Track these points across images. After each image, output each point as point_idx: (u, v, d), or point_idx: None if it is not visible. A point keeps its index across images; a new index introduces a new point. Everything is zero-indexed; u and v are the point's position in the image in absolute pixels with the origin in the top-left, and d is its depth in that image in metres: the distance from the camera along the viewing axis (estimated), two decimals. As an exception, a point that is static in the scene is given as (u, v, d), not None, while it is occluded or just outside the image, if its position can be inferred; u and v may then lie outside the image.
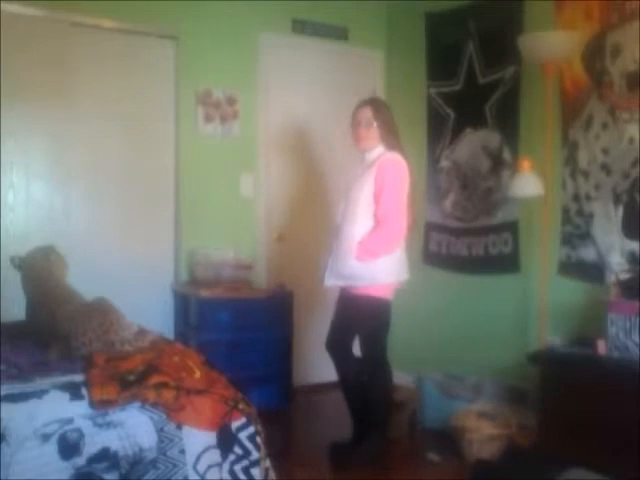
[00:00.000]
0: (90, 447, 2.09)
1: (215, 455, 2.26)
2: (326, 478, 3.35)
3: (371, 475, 3.37)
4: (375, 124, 3.41)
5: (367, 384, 3.48)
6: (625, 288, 3.27)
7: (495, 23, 4.24)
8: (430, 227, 4.72)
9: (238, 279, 4.33)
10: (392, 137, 3.45)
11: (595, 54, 3.67)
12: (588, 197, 3.73)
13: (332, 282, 3.50)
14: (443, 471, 3.39)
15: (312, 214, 4.87)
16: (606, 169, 3.63)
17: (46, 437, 2.05)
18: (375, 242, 3.33)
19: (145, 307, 4.02)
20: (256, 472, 2.32)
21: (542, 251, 3.72)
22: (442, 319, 4.57)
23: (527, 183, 3.67)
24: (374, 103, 3.52)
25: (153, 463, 2.17)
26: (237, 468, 2.30)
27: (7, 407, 2.06)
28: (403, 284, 3.54)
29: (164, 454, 2.18)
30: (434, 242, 4.71)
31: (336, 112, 4.62)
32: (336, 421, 3.97)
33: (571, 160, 3.81)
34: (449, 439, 3.56)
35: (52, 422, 2.08)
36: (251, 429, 2.34)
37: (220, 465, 2.27)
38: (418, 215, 4.59)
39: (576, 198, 3.80)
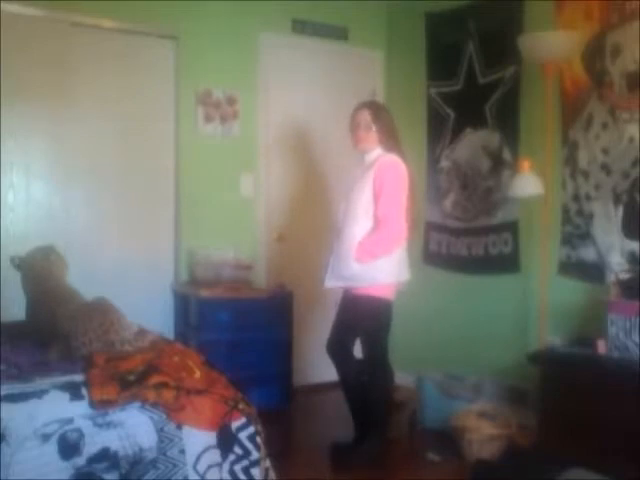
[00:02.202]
0: (90, 447, 2.09)
1: (215, 455, 2.26)
2: (326, 478, 3.35)
3: (371, 475, 3.38)
4: (374, 128, 3.43)
5: (367, 384, 3.49)
6: (625, 288, 3.27)
7: (495, 23, 4.24)
8: (430, 227, 4.72)
9: (238, 279, 4.33)
10: (391, 140, 3.45)
11: (595, 54, 3.67)
12: (588, 197, 3.73)
13: (333, 283, 3.50)
14: (443, 471, 3.39)
15: (312, 214, 4.87)
16: (606, 169, 3.63)
17: (46, 437, 2.05)
18: (375, 243, 3.33)
19: (145, 307, 4.02)
20: (256, 472, 2.32)
21: (542, 251, 3.72)
22: (442, 319, 4.57)
23: (527, 183, 3.67)
24: (373, 106, 3.53)
25: (153, 463, 2.17)
26: (237, 468, 2.30)
27: (7, 407, 2.06)
28: (404, 284, 3.54)
29: (164, 454, 2.18)
30: (434, 242, 4.71)
31: (336, 112, 4.62)
32: (336, 421, 3.98)
33: (571, 160, 3.81)
34: (449, 439, 3.56)
35: (52, 422, 2.08)
36: (251, 429, 2.34)
37: (220, 465, 2.27)
38: (418, 215, 4.60)
39: (576, 198, 3.80)
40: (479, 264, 4.37)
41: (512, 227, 4.16)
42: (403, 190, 3.39)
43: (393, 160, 3.40)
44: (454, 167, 4.56)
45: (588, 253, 3.73)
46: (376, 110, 3.49)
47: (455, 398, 3.81)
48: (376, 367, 3.51)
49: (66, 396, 2.16)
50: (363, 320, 3.46)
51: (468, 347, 4.36)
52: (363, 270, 3.36)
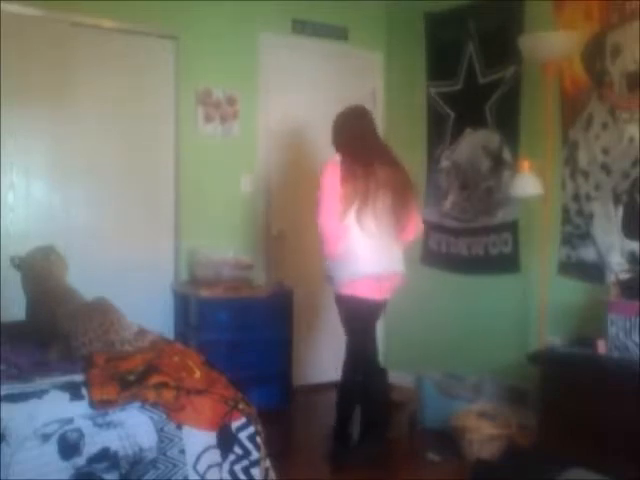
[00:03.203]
0: (90, 447, 2.09)
1: (215, 455, 2.26)
2: (326, 478, 3.36)
3: (371, 475, 3.38)
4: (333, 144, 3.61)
5: (363, 385, 3.50)
6: (625, 288, 3.27)
7: (495, 23, 4.24)
8: (430, 227, 4.71)
9: (238, 278, 4.33)
10: (338, 143, 3.55)
11: (595, 54, 3.67)
12: (588, 197, 3.73)
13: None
14: (443, 471, 3.39)
15: (312, 213, 4.85)
16: (606, 169, 3.64)
17: (46, 437, 2.05)
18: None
19: (145, 307, 4.01)
20: (256, 472, 2.33)
21: (542, 251, 3.72)
22: (442, 319, 4.57)
23: (527, 183, 3.67)
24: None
25: (153, 463, 2.17)
26: (237, 468, 2.30)
27: (7, 407, 2.06)
28: (399, 278, 3.52)
29: (164, 454, 2.18)
30: (434, 242, 4.70)
31: (336, 112, 4.61)
32: (336, 421, 3.97)
33: (571, 160, 3.81)
34: (449, 439, 3.56)
35: (52, 422, 2.08)
36: (251, 429, 2.34)
37: (220, 465, 2.27)
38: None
39: (576, 198, 3.80)
40: (479, 264, 4.37)
41: (512, 227, 4.16)
42: (328, 190, 3.40)
43: (327, 162, 3.48)
44: (454, 167, 4.56)
45: (588, 253, 3.73)
46: (332, 128, 3.62)
47: (455, 398, 3.81)
48: (367, 367, 3.52)
49: (66, 396, 2.17)
50: (341, 320, 3.53)
51: (468, 347, 4.36)
52: (329, 269, 3.47)
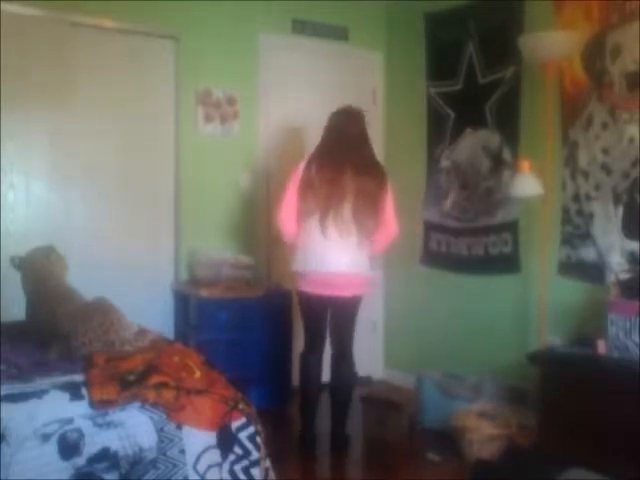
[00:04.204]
0: (90, 447, 2.10)
1: (215, 455, 2.26)
2: (326, 478, 3.36)
3: (371, 475, 3.38)
4: None
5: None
6: (625, 288, 3.27)
7: (495, 23, 4.24)
8: (430, 227, 4.72)
9: (238, 278, 4.33)
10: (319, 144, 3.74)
11: (595, 54, 3.67)
12: (588, 197, 3.73)
13: None
14: (443, 471, 3.40)
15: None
16: (606, 169, 3.63)
17: (46, 437, 2.06)
18: None
19: (145, 307, 4.01)
20: (256, 472, 2.33)
21: (542, 251, 3.72)
22: (442, 319, 4.57)
23: (527, 183, 3.67)
24: None
25: (153, 463, 2.17)
26: (237, 468, 2.30)
27: (7, 407, 2.06)
28: (340, 278, 3.55)
29: (164, 454, 2.19)
30: (434, 242, 4.70)
31: (336, 112, 4.62)
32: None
33: (571, 160, 3.81)
34: (449, 439, 3.57)
35: (52, 422, 2.08)
36: (251, 429, 2.34)
37: (220, 465, 2.27)
38: (417, 215, 4.61)
39: (576, 198, 3.80)
40: (479, 264, 4.37)
41: (512, 227, 4.16)
42: (289, 191, 3.63)
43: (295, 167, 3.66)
44: (454, 167, 4.56)
45: (588, 253, 3.72)
46: None
47: (455, 398, 3.81)
48: (332, 362, 3.70)
49: (66, 396, 2.17)
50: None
51: (468, 347, 4.36)
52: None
